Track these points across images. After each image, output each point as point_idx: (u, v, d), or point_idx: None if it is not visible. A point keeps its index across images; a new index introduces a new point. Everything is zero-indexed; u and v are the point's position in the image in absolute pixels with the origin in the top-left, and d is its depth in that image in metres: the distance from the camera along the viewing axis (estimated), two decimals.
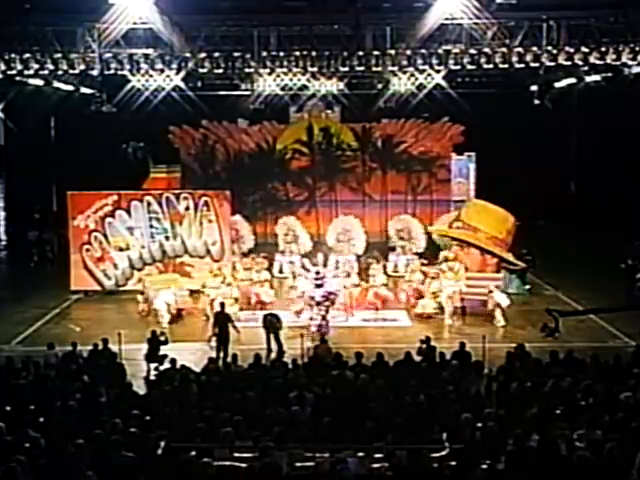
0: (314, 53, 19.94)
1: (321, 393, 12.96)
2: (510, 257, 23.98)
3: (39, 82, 23.80)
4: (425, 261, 24.84)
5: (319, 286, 20.00)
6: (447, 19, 18.90)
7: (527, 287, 24.26)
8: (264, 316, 19.21)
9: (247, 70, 21.11)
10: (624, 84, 22.94)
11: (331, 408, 12.23)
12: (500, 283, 21.76)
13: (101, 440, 10.51)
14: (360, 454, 10.32)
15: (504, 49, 19.43)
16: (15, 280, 28.33)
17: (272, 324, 18.68)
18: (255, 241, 28.04)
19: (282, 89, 26.43)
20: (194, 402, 12.73)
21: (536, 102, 26.82)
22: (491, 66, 19.71)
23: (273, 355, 17.83)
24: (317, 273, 20.43)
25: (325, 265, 22.45)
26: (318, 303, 19.73)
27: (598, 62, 19.49)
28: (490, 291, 21.53)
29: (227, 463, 10.09)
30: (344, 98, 28.68)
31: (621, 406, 11.89)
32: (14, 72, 19.78)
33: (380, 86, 26.39)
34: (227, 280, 21.99)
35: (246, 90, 27.20)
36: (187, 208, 24.83)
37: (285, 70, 21.03)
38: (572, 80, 25.69)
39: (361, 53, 19.83)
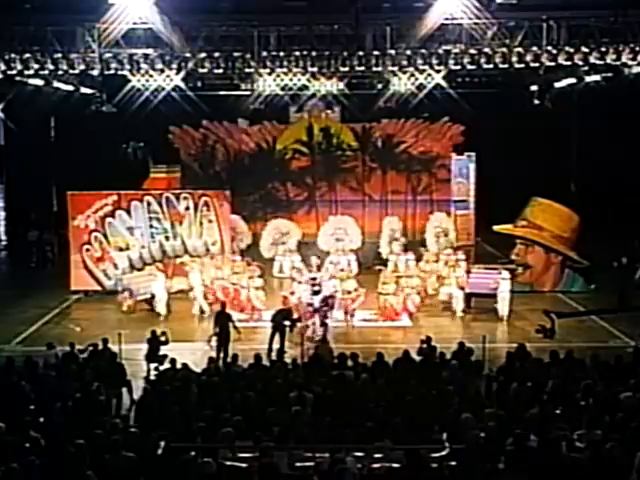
0: (314, 53, 19.92)
1: (321, 393, 12.96)
2: (575, 255, 24.21)
3: (39, 82, 23.78)
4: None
5: (316, 292, 19.92)
6: (447, 19, 18.89)
7: (592, 286, 24.38)
8: (273, 314, 19.13)
9: (247, 70, 21.05)
10: (624, 84, 22.93)
11: (331, 408, 12.23)
12: (507, 276, 22.13)
13: (101, 440, 10.51)
14: (360, 454, 10.32)
15: (504, 49, 19.41)
16: (15, 280, 28.34)
17: (279, 323, 18.62)
18: (253, 240, 28.06)
19: (282, 89, 26.38)
20: (194, 402, 12.73)
21: (536, 102, 26.82)
22: (491, 66, 19.69)
23: (273, 355, 17.81)
24: (313, 279, 20.32)
25: (319, 269, 22.38)
26: (317, 310, 19.65)
27: (598, 62, 19.48)
28: (497, 282, 21.98)
29: (227, 463, 10.10)
30: (344, 98, 28.63)
31: (621, 406, 11.89)
32: (14, 72, 19.77)
33: (380, 86, 26.34)
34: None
35: (246, 90, 27.15)
36: (187, 208, 24.84)
37: (285, 70, 20.97)
38: (572, 80, 25.66)
39: (361, 53, 19.80)
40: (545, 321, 19.86)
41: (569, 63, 19.44)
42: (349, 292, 21.68)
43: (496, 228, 26.86)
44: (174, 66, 20.10)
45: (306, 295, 20.19)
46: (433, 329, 20.20)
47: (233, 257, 24.93)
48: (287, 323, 18.64)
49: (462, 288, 22.36)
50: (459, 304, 22.12)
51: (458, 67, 19.92)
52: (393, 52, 19.85)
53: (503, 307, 21.68)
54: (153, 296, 22.40)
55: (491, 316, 21.70)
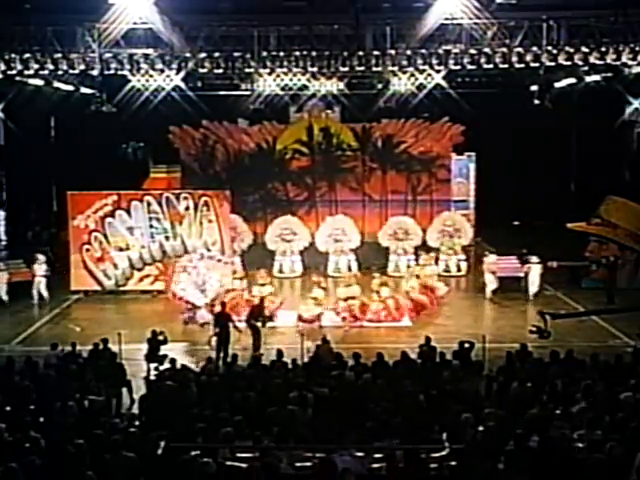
0: (314, 53, 19.92)
1: (321, 393, 12.96)
2: None
3: (39, 82, 23.80)
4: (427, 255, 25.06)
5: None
6: (447, 19, 18.87)
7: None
8: (247, 316, 19.34)
9: (247, 70, 21.06)
10: (624, 84, 22.94)
11: (331, 408, 12.23)
12: (536, 260, 23.75)
13: (101, 440, 10.51)
14: (360, 454, 10.32)
15: (504, 49, 19.40)
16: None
17: (253, 326, 18.96)
18: (254, 240, 28.08)
19: (282, 89, 26.40)
20: (194, 402, 12.73)
21: (536, 102, 26.82)
22: (491, 66, 19.70)
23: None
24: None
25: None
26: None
27: (598, 62, 19.49)
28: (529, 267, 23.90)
29: (227, 463, 10.10)
30: (344, 98, 28.62)
31: (621, 406, 11.89)
32: (14, 72, 19.78)
33: (380, 86, 26.36)
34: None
35: (246, 90, 27.19)
36: (187, 208, 24.85)
37: (285, 70, 20.99)
38: (572, 80, 25.68)
39: (361, 53, 19.80)
40: (539, 321, 20.00)
41: (569, 63, 19.45)
42: (354, 299, 21.24)
43: (569, 226, 26.77)
44: (174, 66, 20.11)
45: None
46: (433, 329, 20.22)
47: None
48: (259, 323, 18.99)
49: (493, 273, 23.91)
50: (490, 287, 23.80)
51: (458, 67, 19.92)
52: (393, 52, 19.85)
53: (532, 289, 23.74)
54: None
55: (496, 313, 22.04)
